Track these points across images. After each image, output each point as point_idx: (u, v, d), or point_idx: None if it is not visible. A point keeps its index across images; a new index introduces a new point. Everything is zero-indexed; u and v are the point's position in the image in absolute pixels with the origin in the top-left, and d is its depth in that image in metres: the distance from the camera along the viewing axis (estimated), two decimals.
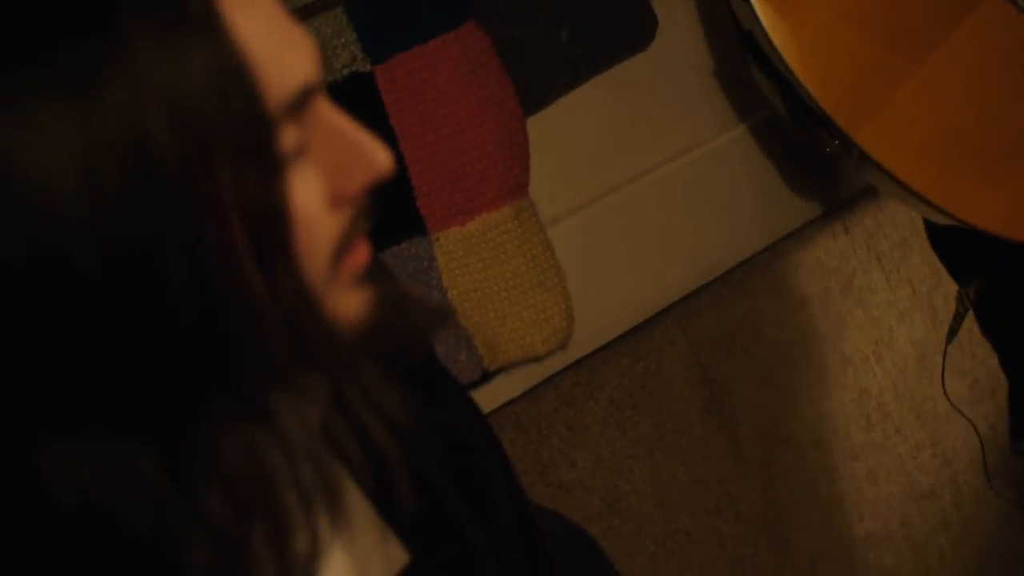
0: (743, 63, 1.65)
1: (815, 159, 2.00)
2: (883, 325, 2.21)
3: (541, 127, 1.69)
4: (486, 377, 1.65)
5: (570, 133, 1.75)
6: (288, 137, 0.83)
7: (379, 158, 0.87)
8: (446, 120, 1.55)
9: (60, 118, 0.76)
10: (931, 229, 1.85)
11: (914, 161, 1.55)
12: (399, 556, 1.03)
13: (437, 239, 1.57)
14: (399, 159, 1.54)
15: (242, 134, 0.79)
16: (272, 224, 0.81)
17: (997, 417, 2.29)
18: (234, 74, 0.79)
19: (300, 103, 0.84)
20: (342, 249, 0.87)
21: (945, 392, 2.01)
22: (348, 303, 0.89)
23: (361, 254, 0.89)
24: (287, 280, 0.82)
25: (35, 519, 0.83)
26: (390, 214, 1.53)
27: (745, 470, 2.05)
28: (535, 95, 1.67)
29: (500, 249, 1.60)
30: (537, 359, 1.69)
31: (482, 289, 1.60)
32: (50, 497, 0.81)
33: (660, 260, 1.85)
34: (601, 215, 1.78)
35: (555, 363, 1.75)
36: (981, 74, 1.57)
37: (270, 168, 0.81)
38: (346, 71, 1.50)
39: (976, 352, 2.23)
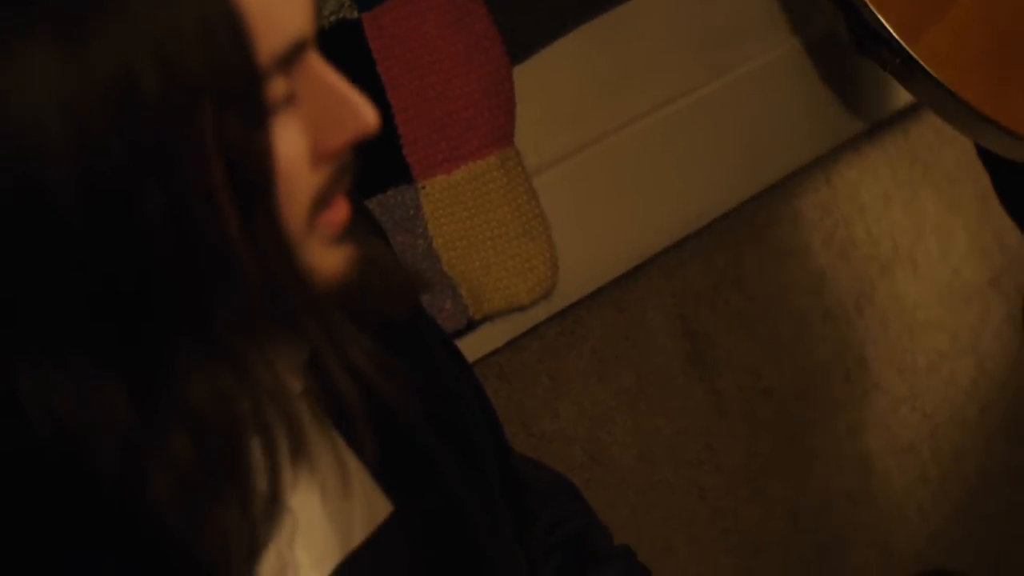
0: None
1: (797, 111, 2.01)
2: (864, 279, 2.22)
3: (527, 76, 1.68)
4: (471, 326, 1.65)
5: (555, 82, 1.75)
6: (276, 88, 0.83)
7: (365, 115, 0.88)
8: (433, 68, 1.55)
9: (47, 57, 0.77)
10: (1001, 188, 1.85)
11: (970, 73, 1.57)
12: (383, 506, 1.04)
13: (423, 187, 1.57)
14: (386, 107, 1.54)
15: (229, 82, 0.79)
16: (253, 171, 0.82)
17: None
18: (224, 22, 0.79)
19: (291, 57, 0.84)
20: (321, 203, 0.88)
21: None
22: (326, 259, 0.90)
23: (340, 211, 0.90)
24: (265, 227, 0.83)
25: (9, 445, 0.84)
26: (377, 162, 1.52)
27: (726, 422, 2.06)
28: (521, 44, 1.67)
29: (486, 198, 1.60)
30: (522, 308, 1.70)
31: (467, 238, 1.60)
32: (25, 423, 0.82)
33: (644, 211, 1.85)
34: (586, 165, 1.78)
35: (539, 312, 1.75)
36: None
37: (255, 117, 0.81)
38: (333, 18, 1.49)
39: None
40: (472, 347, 1.66)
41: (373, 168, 1.51)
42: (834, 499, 2.20)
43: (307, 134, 0.86)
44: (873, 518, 2.26)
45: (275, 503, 0.88)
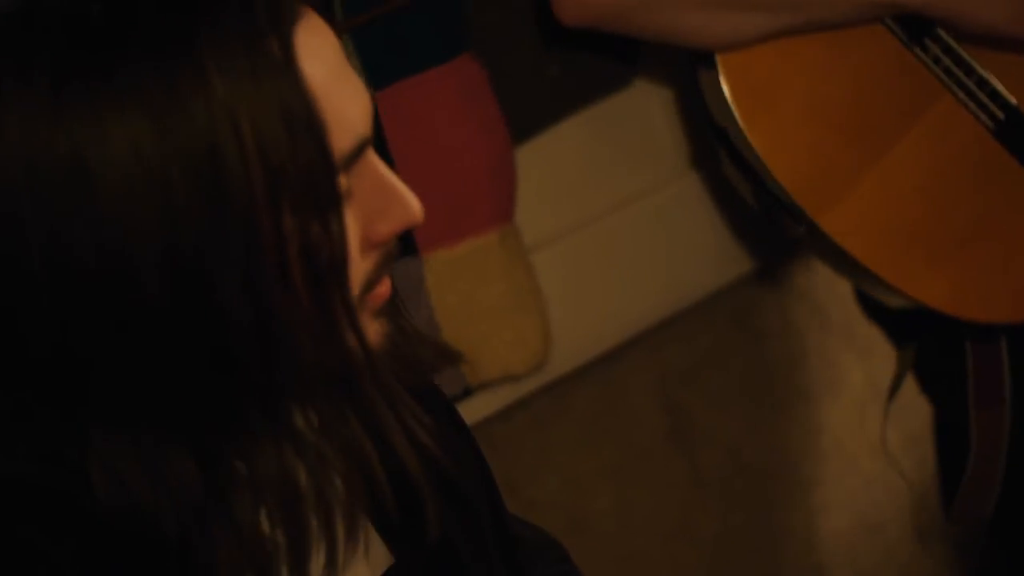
0: (715, 157, 1.73)
1: None
2: (842, 362, 2.27)
3: (527, 157, 1.76)
4: (467, 393, 1.71)
5: (554, 164, 1.82)
6: (342, 183, 0.89)
7: (412, 207, 0.94)
8: (441, 147, 1.62)
9: (135, 128, 0.82)
10: (864, 301, 1.94)
11: (873, 245, 1.67)
12: (384, 558, 1.09)
13: (427, 260, 1.63)
14: None
15: (307, 174, 0.85)
16: (330, 261, 0.87)
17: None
18: (304, 115, 0.85)
19: (357, 155, 0.90)
20: (371, 286, 0.94)
21: (885, 449, 2.07)
22: (369, 331, 0.95)
23: (385, 288, 0.96)
24: (339, 308, 0.88)
25: (74, 511, 0.88)
26: None
27: (704, 496, 2.11)
28: (523, 126, 1.74)
29: (485, 272, 1.66)
30: (515, 379, 1.76)
31: (467, 309, 1.66)
32: (89, 491, 0.86)
33: (632, 290, 1.92)
34: (580, 244, 1.85)
35: (530, 384, 1.81)
36: (933, 169, 1.69)
37: (331, 210, 0.87)
38: None
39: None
40: (465, 414, 1.72)
41: None
42: (805, 575, 2.25)
43: (359, 223, 0.92)
44: None
45: (333, 566, 0.93)
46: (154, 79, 0.82)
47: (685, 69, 1.72)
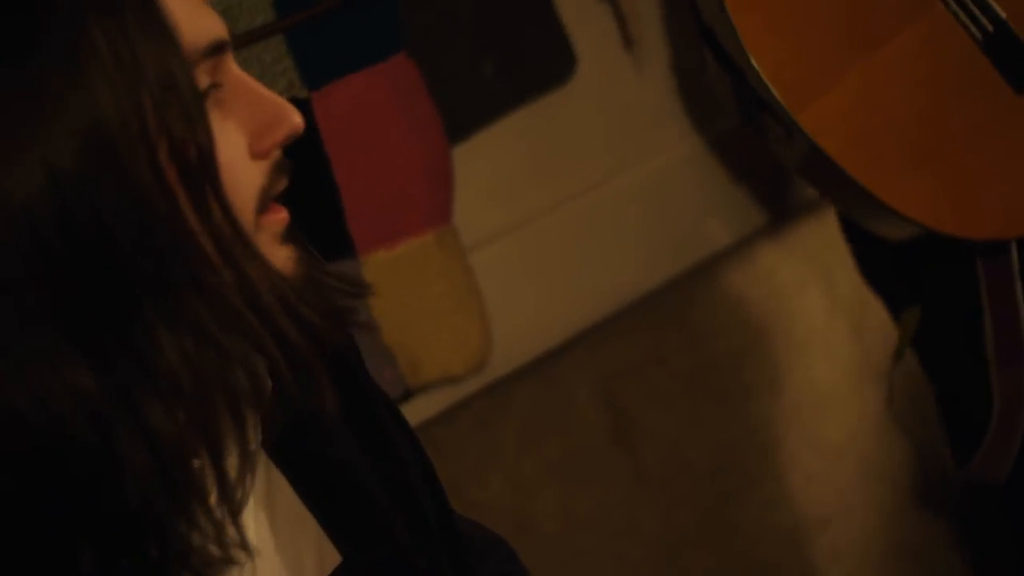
0: (699, 64, 1.73)
1: (719, 195, 2.09)
2: (781, 358, 2.28)
3: (463, 157, 1.76)
4: (407, 395, 1.71)
5: (490, 164, 1.82)
6: (201, 79, 0.93)
7: (291, 115, 0.98)
8: (377, 147, 1.62)
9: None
10: (863, 260, 1.93)
11: (850, 146, 1.66)
12: (332, 557, 1.09)
13: (365, 262, 1.63)
14: (331, 183, 1.60)
15: (166, 75, 0.89)
16: (198, 154, 0.90)
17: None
18: (158, 21, 0.90)
19: (212, 51, 0.94)
20: (264, 200, 0.97)
21: (894, 414, 2.08)
22: (275, 254, 0.97)
23: (281, 212, 0.99)
24: (218, 211, 0.92)
25: None
26: (322, 235, 1.58)
27: (648, 494, 2.12)
28: (459, 126, 1.74)
29: (423, 273, 1.66)
30: (455, 380, 1.75)
31: (406, 311, 1.66)
32: None
33: (572, 289, 1.92)
34: (518, 243, 1.85)
35: (471, 385, 1.81)
36: (919, 76, 1.69)
37: (191, 103, 0.90)
38: (284, 96, 1.55)
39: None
40: (406, 416, 1.71)
41: (318, 241, 1.56)
42: (752, 570, 2.26)
43: (242, 134, 0.95)
44: None
45: (247, 464, 0.93)
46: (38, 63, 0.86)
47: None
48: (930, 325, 1.89)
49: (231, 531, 0.93)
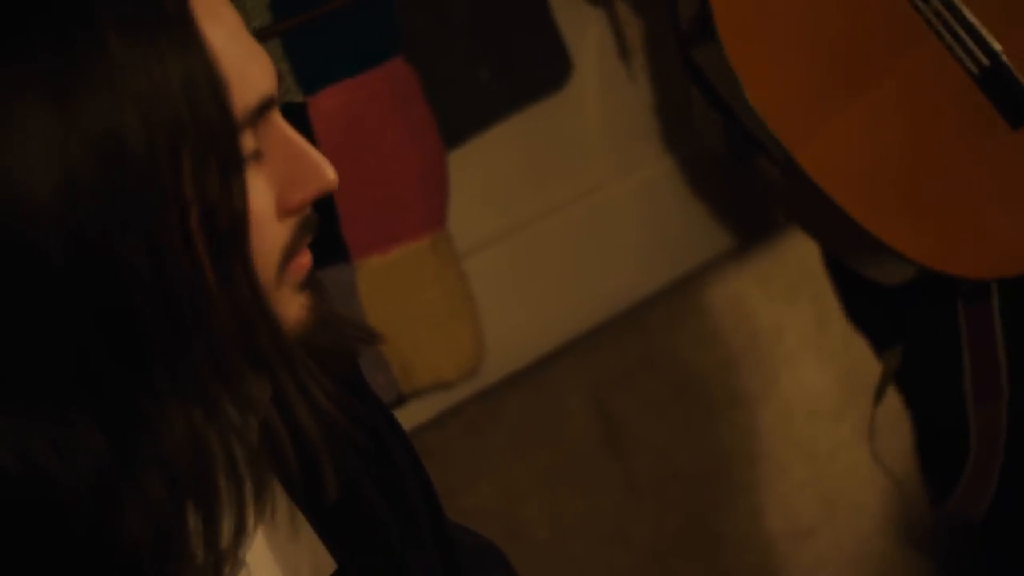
0: (686, 104, 1.71)
1: (711, 205, 2.09)
2: (771, 367, 2.28)
3: (459, 162, 1.75)
4: (400, 400, 1.70)
5: (486, 169, 1.82)
6: (247, 143, 0.89)
7: (326, 172, 0.95)
8: (372, 151, 1.61)
9: (40, 116, 0.82)
10: (848, 301, 1.93)
11: (848, 185, 1.64)
12: (327, 564, 1.08)
13: (359, 267, 1.62)
14: None
15: (208, 132, 0.85)
16: (230, 223, 0.87)
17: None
18: (206, 79, 0.85)
19: (260, 113, 0.90)
20: (289, 255, 0.94)
21: (875, 455, 2.07)
22: (291, 306, 0.95)
23: (305, 261, 0.96)
24: (241, 277, 0.89)
25: None
26: (317, 241, 1.57)
27: (638, 502, 2.12)
28: (455, 131, 1.74)
29: (417, 278, 1.66)
30: (448, 385, 1.75)
31: (400, 316, 1.65)
32: None
33: (564, 295, 1.93)
34: (513, 249, 1.86)
35: (463, 390, 1.81)
36: (915, 112, 1.67)
37: (231, 171, 0.87)
38: (280, 100, 1.55)
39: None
40: (401, 420, 1.71)
41: (313, 246, 1.56)
42: None
43: (272, 189, 0.92)
44: None
45: (240, 540, 0.93)
46: (56, 62, 0.82)
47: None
48: (911, 363, 1.89)
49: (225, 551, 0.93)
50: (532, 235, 1.87)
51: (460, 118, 1.75)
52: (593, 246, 1.95)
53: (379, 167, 1.62)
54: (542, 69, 1.83)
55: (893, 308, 1.79)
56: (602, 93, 1.91)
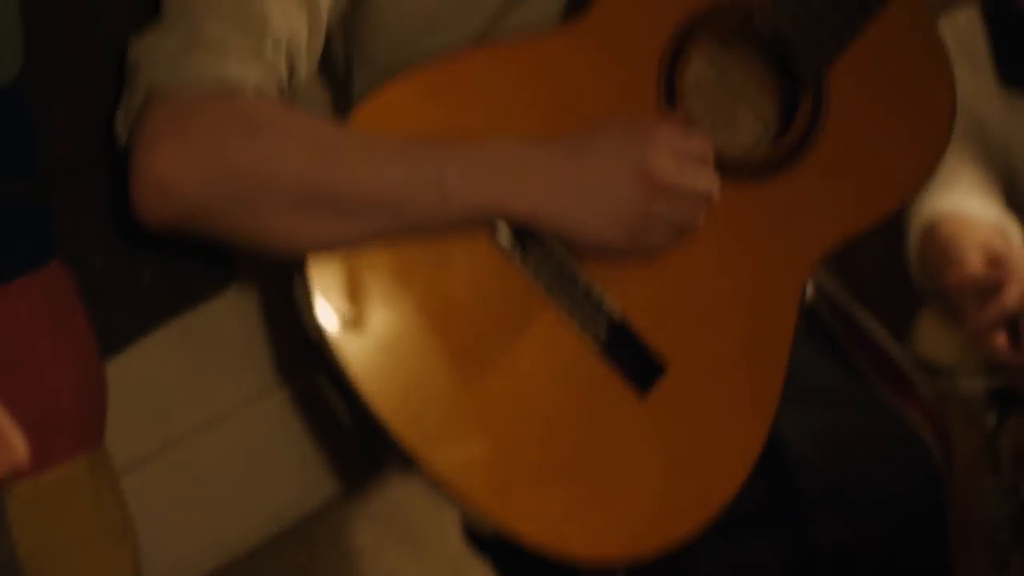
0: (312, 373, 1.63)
1: None
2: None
3: (116, 372, 1.63)
4: None
5: (144, 379, 1.70)
6: None
7: (15, 449, 0.85)
8: (25, 366, 1.48)
9: None
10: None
11: (482, 482, 1.56)
12: None
13: (10, 491, 1.47)
14: None
15: None
16: None
17: None
18: None
19: None
20: None
21: None
22: None
23: None
24: None
25: None
26: None
27: None
28: (113, 338, 1.62)
29: (72, 501, 1.53)
30: None
31: (52, 542, 1.51)
32: None
33: (226, 512, 1.82)
34: (173, 464, 1.75)
35: None
36: (537, 390, 1.60)
37: None
38: None
39: None
40: None
41: None
42: None
43: None
44: None
45: None
46: None
47: (282, 278, 1.63)
48: None
49: None
50: (192, 449, 1.77)
51: (119, 324, 1.64)
52: (252, 459, 1.85)
53: (31, 382, 1.48)
54: (204, 271, 1.74)
55: None
56: (267, 293, 1.82)
